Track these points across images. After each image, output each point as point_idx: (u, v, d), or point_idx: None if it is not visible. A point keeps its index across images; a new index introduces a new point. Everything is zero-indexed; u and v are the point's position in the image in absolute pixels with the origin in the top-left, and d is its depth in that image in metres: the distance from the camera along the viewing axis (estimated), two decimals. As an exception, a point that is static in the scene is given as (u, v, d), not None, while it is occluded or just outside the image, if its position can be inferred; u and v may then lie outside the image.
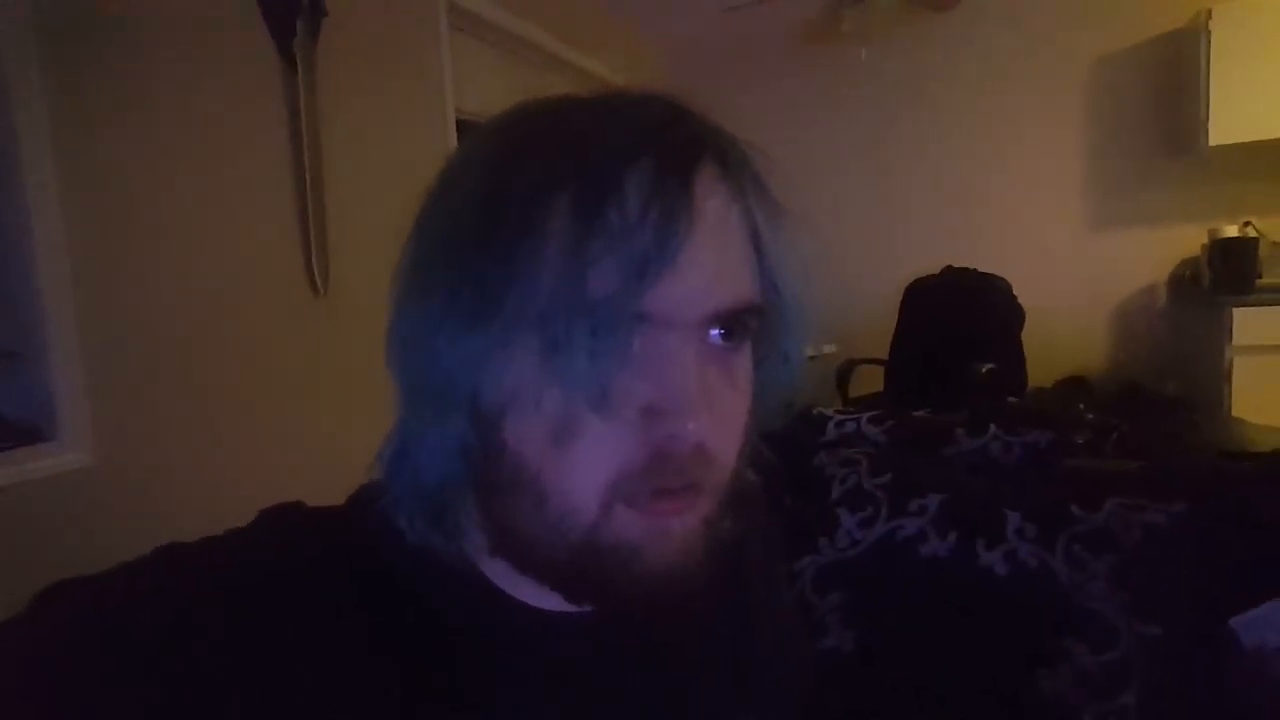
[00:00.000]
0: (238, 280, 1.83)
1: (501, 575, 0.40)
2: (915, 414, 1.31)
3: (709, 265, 0.35)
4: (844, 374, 3.26)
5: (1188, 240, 3.28)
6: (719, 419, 0.36)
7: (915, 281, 3.33)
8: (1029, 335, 3.04)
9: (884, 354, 3.35)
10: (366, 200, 2.06)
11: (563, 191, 0.34)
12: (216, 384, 1.78)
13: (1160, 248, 3.38)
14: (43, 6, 1.44)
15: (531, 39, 2.95)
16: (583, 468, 0.35)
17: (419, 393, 0.38)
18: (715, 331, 0.37)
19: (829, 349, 3.58)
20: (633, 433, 0.35)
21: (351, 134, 2.10)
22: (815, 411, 1.29)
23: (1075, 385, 3.31)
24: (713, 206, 0.35)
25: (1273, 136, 2.93)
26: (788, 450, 1.17)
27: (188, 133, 1.71)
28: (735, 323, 0.37)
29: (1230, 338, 2.89)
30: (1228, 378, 2.90)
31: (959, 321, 3.06)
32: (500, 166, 0.36)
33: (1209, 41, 2.98)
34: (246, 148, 1.85)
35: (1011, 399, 2.73)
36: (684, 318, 0.35)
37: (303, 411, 1.95)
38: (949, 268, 3.28)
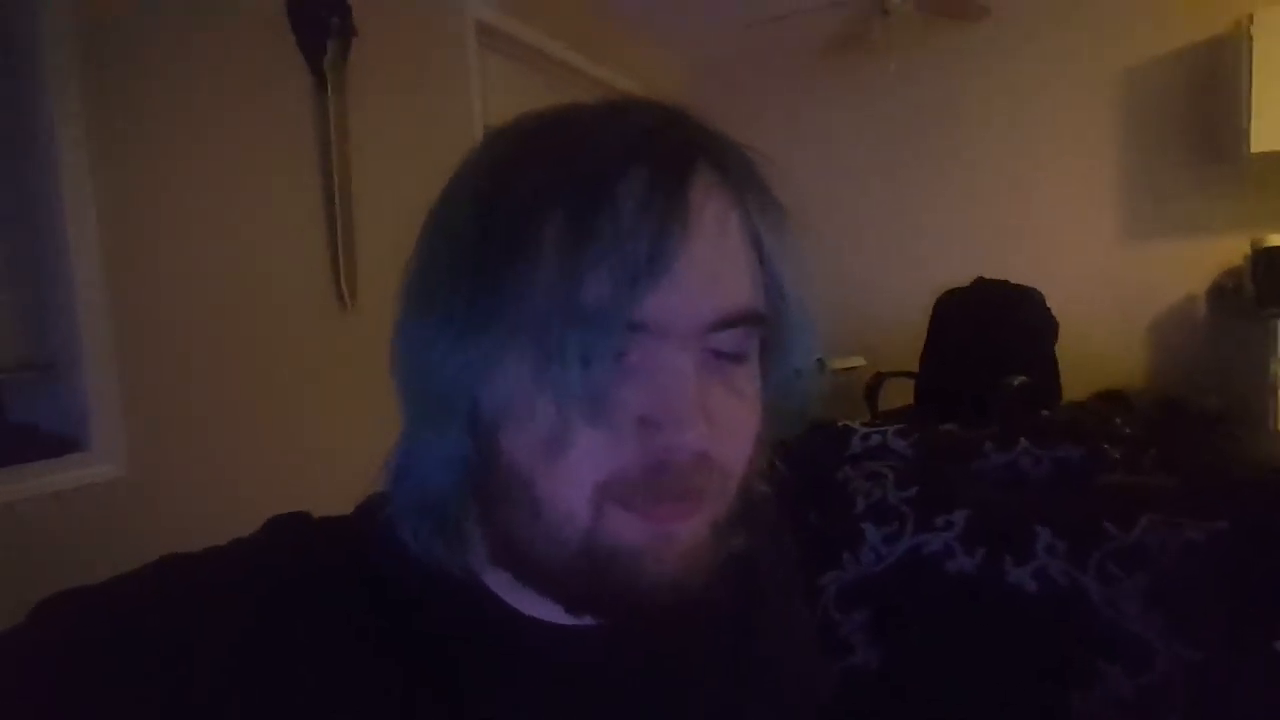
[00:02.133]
0: (268, 294, 1.86)
1: (504, 586, 0.40)
2: (943, 427, 1.28)
3: (705, 273, 0.34)
4: (873, 388, 3.22)
5: (1229, 250, 3.19)
6: (722, 429, 0.36)
7: (945, 294, 3.29)
8: (1063, 348, 2.97)
9: (914, 367, 3.31)
10: (395, 215, 2.07)
11: (557, 200, 0.33)
12: (247, 396, 1.81)
13: (1200, 258, 3.29)
14: (82, 32, 1.49)
15: (558, 56, 2.99)
16: (574, 474, 0.34)
17: (419, 403, 0.38)
18: (717, 340, 0.36)
19: (857, 362, 3.54)
20: (629, 442, 0.34)
21: (381, 150, 2.14)
22: (841, 425, 1.27)
23: (1112, 400, 3.23)
24: (709, 213, 0.35)
25: (1317, 143, 2.85)
26: (812, 464, 1.16)
27: (220, 150, 1.75)
28: (737, 330, 0.36)
29: (1275, 351, 2.81)
30: (1273, 392, 2.81)
31: (990, 334, 3.01)
32: (496, 177, 0.36)
33: (1251, 47, 2.92)
34: (278, 164, 1.89)
35: (1044, 413, 2.67)
36: (681, 326, 0.34)
37: (333, 423, 1.97)
38: (980, 279, 3.23)
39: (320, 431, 1.96)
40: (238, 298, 1.79)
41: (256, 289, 1.83)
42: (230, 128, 1.77)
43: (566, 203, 0.33)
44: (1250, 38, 2.92)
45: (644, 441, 0.34)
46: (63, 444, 1.50)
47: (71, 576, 0.37)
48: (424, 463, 0.38)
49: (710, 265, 0.35)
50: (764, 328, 0.38)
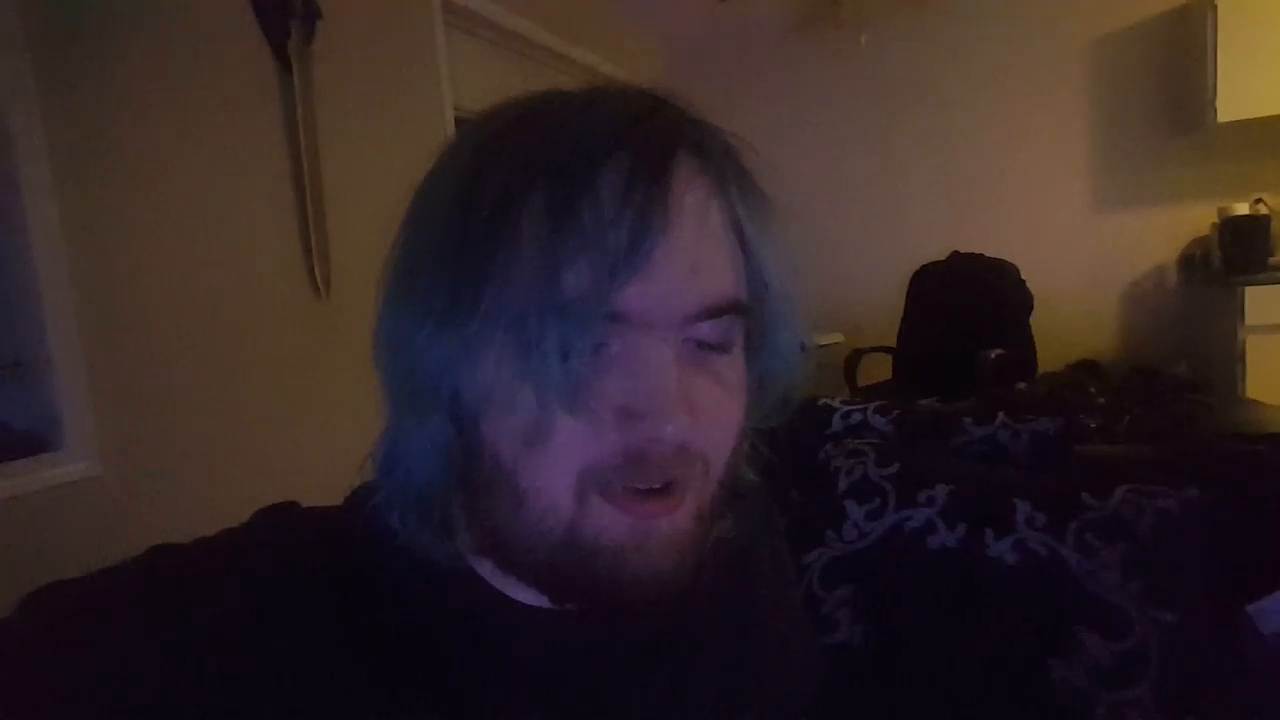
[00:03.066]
0: (239, 285, 1.83)
1: (492, 573, 0.40)
2: (922, 403, 1.29)
3: (686, 263, 0.34)
4: (851, 363, 3.25)
5: (1197, 219, 3.24)
6: (704, 419, 0.36)
7: (921, 268, 3.32)
8: (1038, 320, 3.01)
9: (891, 342, 3.34)
10: (366, 201, 2.06)
11: (537, 190, 0.33)
12: (221, 390, 1.78)
13: (1169, 228, 3.35)
14: (36, 19, 1.44)
15: (528, 35, 2.94)
16: (556, 463, 0.34)
17: (402, 393, 0.37)
18: (699, 329, 0.36)
19: (835, 338, 3.56)
20: (609, 432, 0.34)
21: (349, 134, 2.10)
22: (821, 403, 1.28)
23: (1086, 369, 3.28)
24: (690, 202, 0.35)
25: (1282, 112, 2.90)
26: (793, 443, 1.16)
27: (185, 138, 1.71)
28: (719, 320, 0.36)
29: (1243, 318, 2.86)
30: (1241, 358, 2.87)
31: (966, 308, 3.04)
32: (476, 167, 0.36)
33: (1215, 17, 2.95)
34: (244, 151, 1.85)
35: (1021, 385, 2.71)
36: (661, 317, 0.34)
37: (308, 414, 1.96)
38: (955, 253, 3.26)
39: (298, 423, 1.94)
40: (209, 289, 1.75)
41: (228, 280, 1.80)
42: (194, 115, 1.73)
43: (546, 192, 0.33)
44: (1214, 7, 2.95)
45: (624, 432, 0.34)
46: (36, 443, 1.47)
47: (49, 578, 0.36)
48: (408, 453, 0.37)
49: (691, 255, 0.34)
50: (747, 316, 0.38)
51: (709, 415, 0.36)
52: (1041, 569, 0.87)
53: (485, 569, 0.40)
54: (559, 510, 0.35)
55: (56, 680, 0.32)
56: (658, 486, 0.35)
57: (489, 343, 0.34)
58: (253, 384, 1.85)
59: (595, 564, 0.35)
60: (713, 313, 0.35)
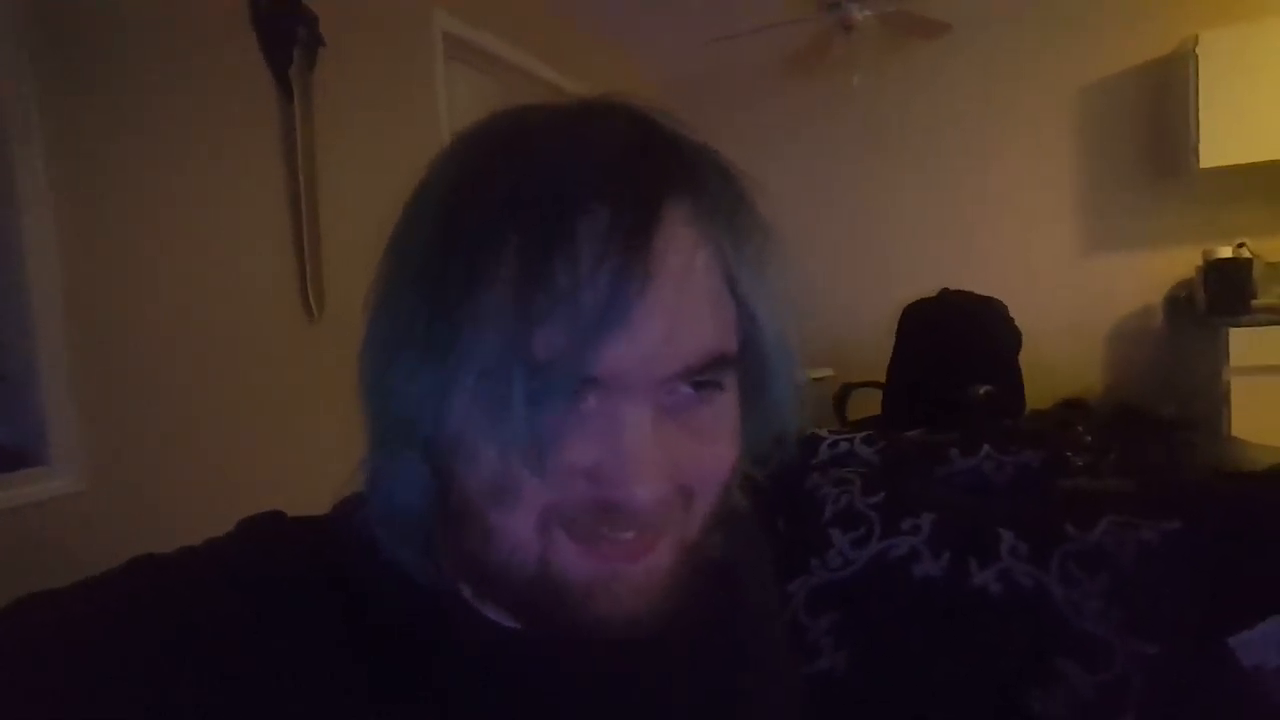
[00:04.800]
0: (232, 305, 1.84)
1: (470, 594, 0.40)
2: (909, 434, 1.30)
3: (666, 323, 0.33)
4: (841, 397, 3.25)
5: (1182, 262, 3.29)
6: (688, 467, 0.35)
7: (911, 304, 3.33)
8: (1026, 358, 3.03)
9: (881, 377, 3.34)
10: (361, 225, 2.07)
11: (512, 238, 0.32)
12: (211, 408, 1.78)
13: (1155, 270, 3.40)
14: (40, 40, 1.46)
15: (526, 67, 3.00)
16: (520, 511, 0.34)
17: (379, 424, 0.37)
18: (680, 386, 0.35)
19: (825, 373, 3.58)
20: (577, 489, 0.33)
21: (347, 161, 2.12)
22: (808, 433, 1.28)
23: (1073, 408, 3.29)
24: (674, 255, 0.33)
25: (1263, 158, 2.97)
26: (780, 472, 1.16)
27: (184, 159, 1.72)
28: (705, 375, 0.35)
29: (1227, 359, 2.90)
30: (1226, 399, 2.90)
31: (956, 344, 3.05)
32: (458, 203, 0.35)
33: (1197, 67, 3.03)
34: (243, 175, 1.87)
35: (1009, 421, 2.72)
36: (639, 379, 0.33)
37: (298, 435, 1.95)
38: (945, 290, 3.28)
39: (287, 443, 1.93)
40: (202, 308, 1.76)
41: (221, 299, 1.81)
42: (194, 137, 1.75)
43: (522, 245, 0.32)
44: (1196, 58, 3.03)
45: (593, 491, 0.33)
46: (20, 458, 1.46)
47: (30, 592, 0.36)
48: (388, 477, 0.37)
49: (672, 314, 0.33)
50: (739, 363, 0.37)
51: (693, 464, 0.35)
52: (1025, 599, 0.88)
53: (465, 589, 0.40)
54: (528, 547, 0.34)
55: (56, 680, 0.31)
56: (627, 535, 0.34)
57: (461, 389, 0.33)
58: (242, 404, 1.85)
59: (565, 599, 0.35)
60: (694, 371, 0.34)
